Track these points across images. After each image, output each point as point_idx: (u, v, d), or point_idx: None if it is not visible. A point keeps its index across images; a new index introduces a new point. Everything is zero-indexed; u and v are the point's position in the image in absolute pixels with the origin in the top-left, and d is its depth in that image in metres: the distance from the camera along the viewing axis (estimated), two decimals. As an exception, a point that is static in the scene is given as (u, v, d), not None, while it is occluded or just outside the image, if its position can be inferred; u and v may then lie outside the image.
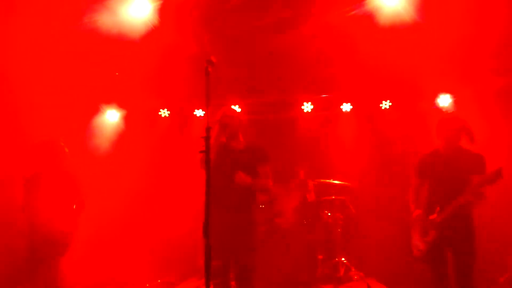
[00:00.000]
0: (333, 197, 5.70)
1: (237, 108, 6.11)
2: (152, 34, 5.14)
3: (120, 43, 4.85)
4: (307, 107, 6.58)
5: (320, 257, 5.48)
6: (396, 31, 4.56)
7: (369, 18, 4.51)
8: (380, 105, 6.42)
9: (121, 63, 5.39)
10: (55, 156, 4.28)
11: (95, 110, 6.33)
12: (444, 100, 6.08)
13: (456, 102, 6.04)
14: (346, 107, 6.58)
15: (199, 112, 6.70)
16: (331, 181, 5.75)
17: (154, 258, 5.88)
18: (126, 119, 6.64)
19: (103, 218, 5.50)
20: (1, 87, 4.94)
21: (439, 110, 6.02)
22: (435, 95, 6.13)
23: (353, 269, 5.42)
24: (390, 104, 6.38)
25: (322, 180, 5.81)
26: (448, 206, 3.49)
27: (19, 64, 4.59)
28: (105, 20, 4.35)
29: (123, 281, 5.53)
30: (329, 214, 5.66)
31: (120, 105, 6.53)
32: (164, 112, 6.75)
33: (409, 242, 3.76)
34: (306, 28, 4.92)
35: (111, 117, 6.53)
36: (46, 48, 4.62)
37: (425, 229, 3.64)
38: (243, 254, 3.48)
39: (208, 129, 2.66)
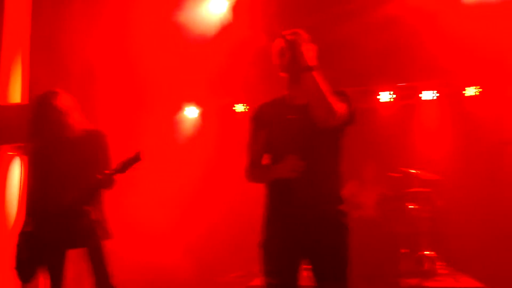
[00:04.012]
0: (417, 189, 5.44)
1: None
2: (226, 30, 5.25)
3: (198, 41, 5.01)
4: (384, 96, 6.34)
5: (403, 251, 5.28)
6: (483, 7, 4.25)
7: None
8: (464, 92, 6.04)
9: (197, 61, 5.55)
10: (52, 118, 2.92)
11: (177, 107, 6.64)
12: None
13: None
14: (427, 95, 6.25)
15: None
16: (412, 172, 5.49)
17: (226, 252, 5.94)
18: (203, 115, 6.84)
19: (174, 209, 5.73)
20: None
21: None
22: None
23: (439, 264, 5.16)
24: (480, 90, 5.96)
25: (402, 172, 5.56)
26: None
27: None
28: (186, 18, 4.52)
29: (195, 275, 5.55)
30: (412, 207, 5.43)
31: (198, 102, 6.74)
32: (240, 107, 6.85)
33: None
34: (382, 12, 4.76)
35: (190, 114, 6.80)
36: (134, 48, 4.88)
37: None
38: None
39: None
